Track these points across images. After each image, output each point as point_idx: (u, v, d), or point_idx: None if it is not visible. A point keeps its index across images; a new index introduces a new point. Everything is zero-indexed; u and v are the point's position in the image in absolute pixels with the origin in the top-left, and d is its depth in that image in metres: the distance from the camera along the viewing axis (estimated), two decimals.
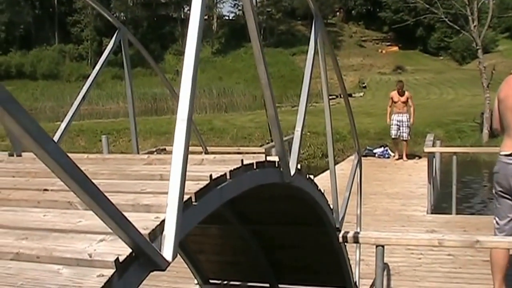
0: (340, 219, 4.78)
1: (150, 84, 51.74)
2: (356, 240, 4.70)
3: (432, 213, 10.52)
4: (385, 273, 5.63)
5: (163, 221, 2.02)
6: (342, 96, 5.64)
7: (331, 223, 4.63)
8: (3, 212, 2.44)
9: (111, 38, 4.75)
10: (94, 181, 1.59)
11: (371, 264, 6.74)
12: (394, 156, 17.26)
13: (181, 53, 66.84)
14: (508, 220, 5.44)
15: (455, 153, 10.89)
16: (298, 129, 3.68)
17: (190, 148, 2.16)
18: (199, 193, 2.36)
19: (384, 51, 70.61)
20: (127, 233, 1.73)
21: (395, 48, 71.73)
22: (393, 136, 16.61)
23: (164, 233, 1.99)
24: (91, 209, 1.60)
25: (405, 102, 16.36)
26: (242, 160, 2.82)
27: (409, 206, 10.83)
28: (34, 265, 1.86)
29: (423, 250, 7.47)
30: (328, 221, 4.58)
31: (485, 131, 20.95)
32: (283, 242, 5.22)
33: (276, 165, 3.29)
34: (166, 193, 2.36)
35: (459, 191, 11.12)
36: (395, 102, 16.43)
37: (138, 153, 5.53)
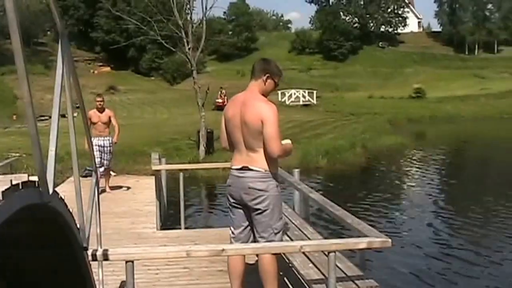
0: (86, 237, 4.75)
1: None
2: (106, 257, 4.71)
3: (161, 229, 10.73)
4: None
5: None
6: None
7: (79, 243, 4.59)
8: None
9: None
10: None
11: (109, 284, 6.73)
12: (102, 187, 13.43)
13: None
14: (243, 228, 5.72)
15: (181, 170, 11.10)
16: (52, 148, 3.63)
17: None
18: None
19: (96, 72, 70.58)
20: None
21: (107, 69, 72.30)
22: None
23: None
24: None
25: (107, 123, 13.80)
26: (11, 180, 2.71)
27: (138, 224, 10.89)
28: None
29: (159, 265, 7.57)
30: (76, 240, 4.52)
31: (202, 148, 21.91)
32: (25, 269, 5.00)
33: (36, 185, 3.21)
34: None
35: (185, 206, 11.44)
36: (94, 123, 13.52)
37: None
